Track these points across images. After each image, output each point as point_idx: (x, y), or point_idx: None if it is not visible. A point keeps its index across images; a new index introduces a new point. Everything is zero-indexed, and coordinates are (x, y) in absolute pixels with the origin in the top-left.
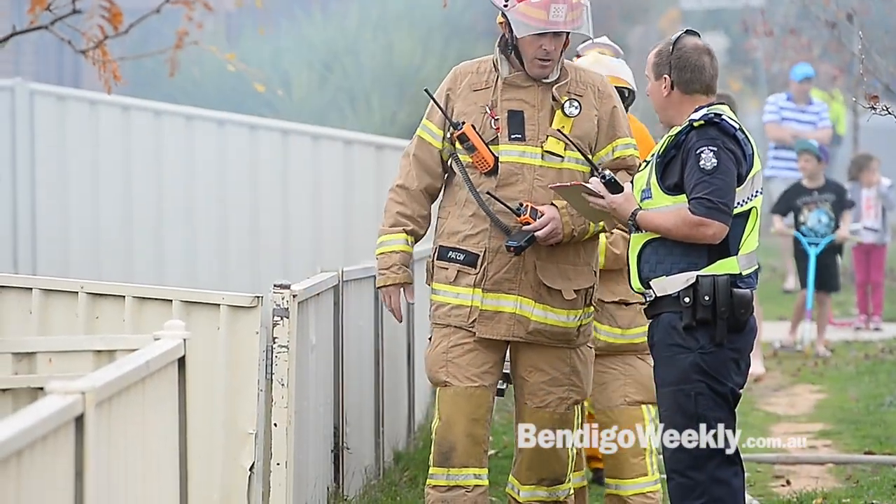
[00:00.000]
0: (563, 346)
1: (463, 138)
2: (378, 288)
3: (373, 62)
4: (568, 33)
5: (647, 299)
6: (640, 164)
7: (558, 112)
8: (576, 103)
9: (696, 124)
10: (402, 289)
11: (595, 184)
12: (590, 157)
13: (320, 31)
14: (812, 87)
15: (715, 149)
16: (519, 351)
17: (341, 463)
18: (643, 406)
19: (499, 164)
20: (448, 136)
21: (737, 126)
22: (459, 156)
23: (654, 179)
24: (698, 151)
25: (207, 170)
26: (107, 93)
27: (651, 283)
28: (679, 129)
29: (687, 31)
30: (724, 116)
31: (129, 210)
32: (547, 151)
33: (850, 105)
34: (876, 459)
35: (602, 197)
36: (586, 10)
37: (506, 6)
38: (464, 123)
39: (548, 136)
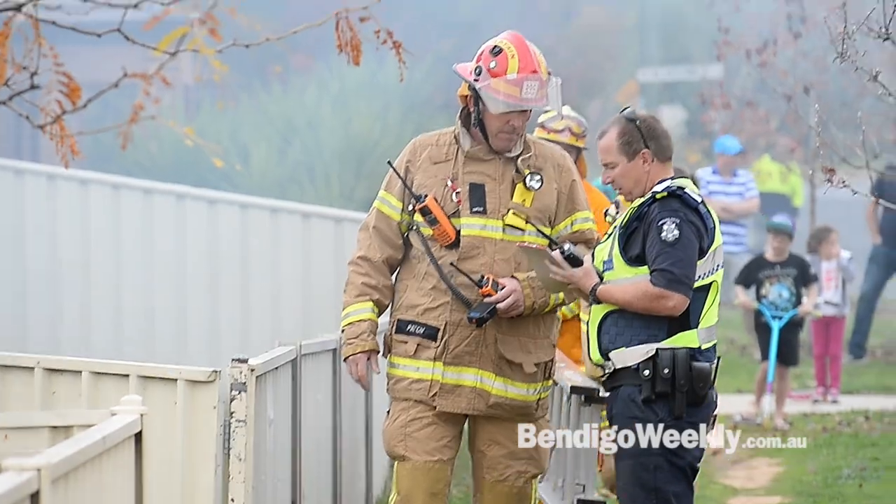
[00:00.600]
0: (523, 420)
1: (425, 211)
2: (345, 358)
3: (332, 136)
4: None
5: (607, 371)
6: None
7: (519, 185)
8: (537, 177)
9: (658, 196)
10: (369, 357)
11: (556, 257)
12: (547, 232)
13: (280, 104)
14: (737, 160)
15: (677, 221)
16: (478, 424)
17: None
18: None
19: (460, 236)
20: (409, 208)
21: (699, 199)
22: (421, 228)
23: (616, 251)
24: (660, 223)
25: (166, 243)
26: (64, 167)
27: (610, 354)
28: (642, 200)
29: (624, 110)
30: (686, 189)
31: (87, 284)
32: (508, 225)
33: (808, 177)
34: None
35: (563, 268)
36: (556, 85)
37: (476, 80)
38: (426, 196)
39: (509, 209)
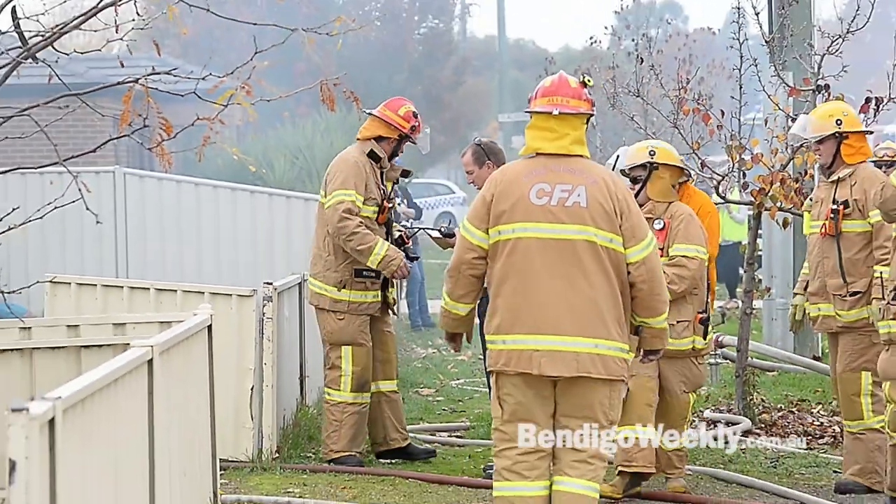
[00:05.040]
0: None
1: None
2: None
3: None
4: None
5: None
6: None
7: None
8: None
9: None
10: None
11: None
12: None
13: (290, 134)
14: None
15: None
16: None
17: (304, 385)
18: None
19: None
20: None
21: None
22: None
23: None
24: None
25: (225, 223)
26: (164, 171)
27: None
28: None
29: (475, 139)
30: None
31: (179, 243)
32: None
33: None
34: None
35: None
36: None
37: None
38: None
39: None
